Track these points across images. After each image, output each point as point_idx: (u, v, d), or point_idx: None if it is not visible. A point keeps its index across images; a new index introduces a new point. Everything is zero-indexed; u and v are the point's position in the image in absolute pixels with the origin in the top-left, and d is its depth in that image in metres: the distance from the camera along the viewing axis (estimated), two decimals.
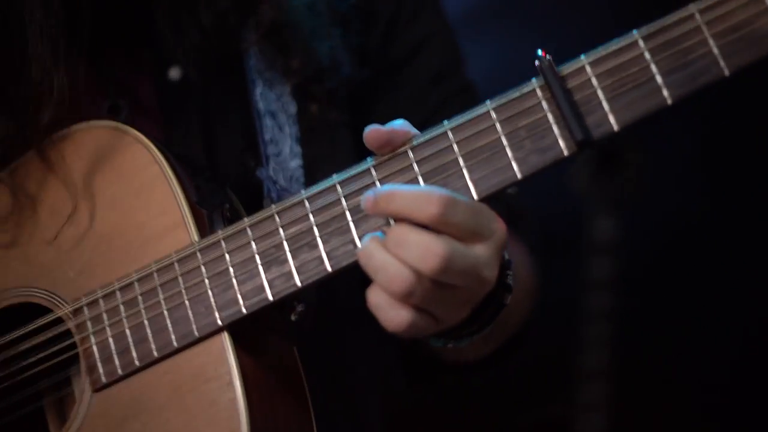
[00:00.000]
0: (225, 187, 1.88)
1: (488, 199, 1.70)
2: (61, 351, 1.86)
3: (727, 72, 1.61)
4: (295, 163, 2.06)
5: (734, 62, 1.61)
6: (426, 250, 1.62)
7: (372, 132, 1.71)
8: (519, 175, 1.67)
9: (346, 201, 1.72)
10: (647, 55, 1.63)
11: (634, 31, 1.65)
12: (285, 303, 1.79)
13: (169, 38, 2.04)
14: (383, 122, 1.75)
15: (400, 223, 1.66)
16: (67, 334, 1.85)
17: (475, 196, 1.68)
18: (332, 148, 2.10)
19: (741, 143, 3.82)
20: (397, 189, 1.66)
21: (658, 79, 1.63)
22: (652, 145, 3.84)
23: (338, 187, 1.73)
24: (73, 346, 1.85)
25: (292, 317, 1.81)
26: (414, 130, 1.73)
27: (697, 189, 3.88)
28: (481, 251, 1.66)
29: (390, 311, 1.66)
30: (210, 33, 2.03)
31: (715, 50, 1.61)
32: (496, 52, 3.55)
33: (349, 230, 1.72)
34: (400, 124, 1.73)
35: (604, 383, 3.59)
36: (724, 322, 3.76)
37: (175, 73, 2.06)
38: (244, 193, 1.91)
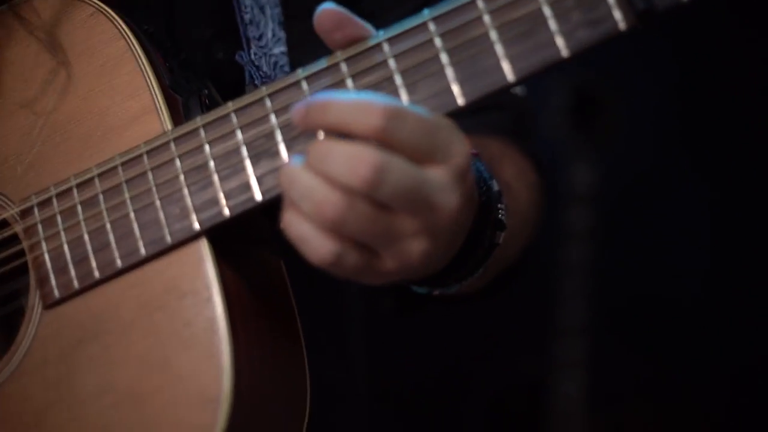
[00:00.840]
0: (201, 72, 1.59)
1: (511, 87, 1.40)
2: (6, 259, 1.55)
3: None
4: (279, 49, 1.76)
5: None
6: (355, 160, 1.34)
7: (325, 11, 1.43)
8: (564, 53, 1.38)
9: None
10: None
11: None
12: (275, 207, 1.50)
13: None
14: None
15: (325, 136, 1.39)
16: (14, 239, 1.54)
17: (511, 78, 1.39)
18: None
19: (719, 88, 3.61)
20: (332, 98, 1.38)
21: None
22: (628, 90, 3.64)
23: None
24: (22, 253, 1.54)
25: (277, 225, 1.52)
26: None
27: (673, 136, 3.67)
28: (432, 173, 1.37)
29: (314, 242, 1.37)
30: None
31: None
32: None
33: None
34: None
35: (583, 339, 3.38)
36: (702, 270, 3.56)
37: None
38: (230, 85, 1.63)
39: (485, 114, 1.82)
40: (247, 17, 1.73)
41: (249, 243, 1.52)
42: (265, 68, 1.73)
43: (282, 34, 1.77)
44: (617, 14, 1.36)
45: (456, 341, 3.45)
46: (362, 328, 1.96)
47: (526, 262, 1.89)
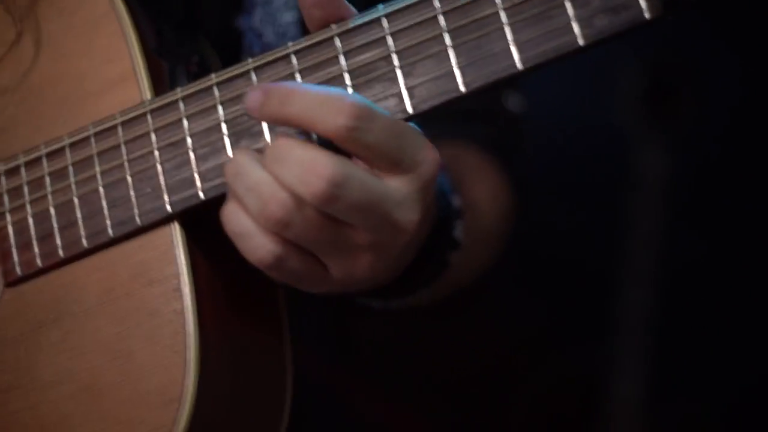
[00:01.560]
0: (197, 36, 1.46)
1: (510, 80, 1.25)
2: None
3: None
4: (290, 17, 1.62)
5: None
6: (309, 171, 1.20)
7: None
8: (581, 41, 1.22)
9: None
10: None
11: None
12: None
13: None
14: None
15: (285, 135, 1.24)
16: None
17: (519, 66, 1.24)
18: None
19: None
20: (296, 87, 1.23)
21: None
22: (705, 74, 3.44)
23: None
24: None
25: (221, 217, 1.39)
26: None
27: (750, 124, 3.48)
28: (394, 185, 1.24)
29: (254, 240, 1.24)
30: None
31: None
32: None
33: None
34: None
35: (644, 333, 3.21)
36: None
37: None
38: (225, 53, 1.49)
39: (472, 124, 1.67)
40: None
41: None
42: (269, 37, 1.59)
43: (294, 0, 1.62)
44: (643, 1, 1.20)
45: (507, 334, 3.33)
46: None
47: (485, 285, 1.75)
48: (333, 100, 1.21)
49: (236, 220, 1.24)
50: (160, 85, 1.37)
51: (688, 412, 3.44)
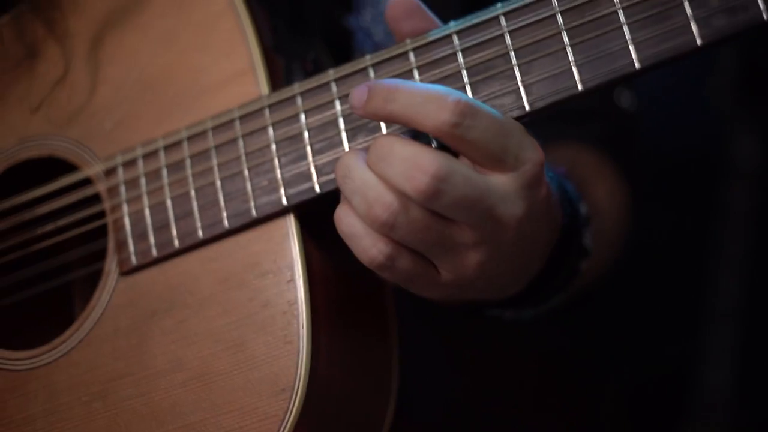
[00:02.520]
0: (312, 34, 1.46)
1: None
2: (86, 220, 1.44)
3: None
4: None
5: None
6: (413, 166, 1.19)
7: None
8: (699, 41, 1.20)
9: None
10: None
11: None
12: None
13: None
14: None
15: (389, 133, 1.24)
16: (96, 198, 1.43)
17: (637, 65, 1.22)
18: None
19: None
20: (400, 84, 1.22)
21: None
22: None
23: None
24: (102, 214, 1.44)
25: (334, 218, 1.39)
26: None
27: None
28: (497, 181, 1.22)
29: (364, 241, 1.23)
30: None
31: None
32: None
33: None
34: None
35: (735, 325, 3.16)
36: None
37: None
38: (335, 52, 1.50)
39: (587, 123, 1.65)
40: None
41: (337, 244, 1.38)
42: (379, 36, 1.59)
43: None
44: (762, 2, 1.18)
45: (596, 325, 3.29)
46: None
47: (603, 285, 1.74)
48: (437, 97, 1.20)
49: (347, 220, 1.24)
50: (277, 81, 1.38)
51: None
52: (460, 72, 1.27)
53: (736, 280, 3.25)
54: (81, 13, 1.46)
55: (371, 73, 1.30)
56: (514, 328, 1.83)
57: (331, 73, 1.32)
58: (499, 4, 1.27)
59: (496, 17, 1.26)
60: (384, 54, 1.30)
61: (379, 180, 1.21)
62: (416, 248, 1.24)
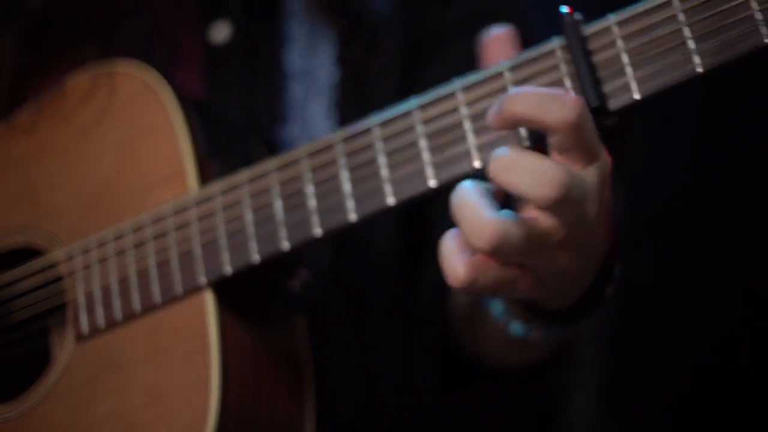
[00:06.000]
0: (248, 141, 1.67)
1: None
2: (52, 296, 1.67)
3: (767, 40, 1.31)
4: (328, 128, 1.81)
5: None
6: (543, 177, 1.27)
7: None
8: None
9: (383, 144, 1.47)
10: (681, 17, 1.35)
11: None
12: (284, 267, 1.58)
13: None
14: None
15: (503, 148, 1.31)
16: (60, 279, 1.66)
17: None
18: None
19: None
20: (524, 89, 1.32)
21: (691, 44, 1.34)
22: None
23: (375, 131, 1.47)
24: (62, 291, 1.66)
25: (293, 285, 1.59)
26: None
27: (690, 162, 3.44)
28: (590, 177, 1.32)
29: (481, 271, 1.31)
30: None
31: (758, 15, 1.31)
32: None
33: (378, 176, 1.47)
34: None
35: (598, 349, 3.23)
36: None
37: (221, 30, 1.85)
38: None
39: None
40: (294, 98, 1.80)
41: (258, 296, 1.59)
42: None
43: (333, 115, 1.82)
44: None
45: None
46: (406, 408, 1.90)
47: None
48: (559, 96, 1.29)
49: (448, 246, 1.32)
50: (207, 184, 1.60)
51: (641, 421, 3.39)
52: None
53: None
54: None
55: (304, 165, 1.51)
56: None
57: (244, 175, 1.55)
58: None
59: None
60: (286, 157, 1.52)
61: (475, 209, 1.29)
62: (525, 261, 1.32)
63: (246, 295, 1.57)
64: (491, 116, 1.32)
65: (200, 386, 1.50)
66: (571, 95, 1.30)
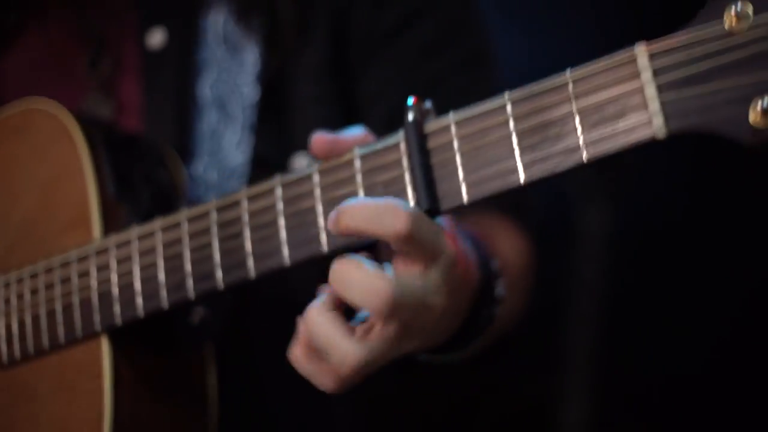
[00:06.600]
0: (163, 163, 1.77)
1: None
2: None
3: (585, 159, 1.33)
4: (240, 158, 1.90)
5: (596, 151, 1.33)
6: (372, 291, 1.37)
7: (316, 140, 1.52)
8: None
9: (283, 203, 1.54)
10: (511, 124, 1.39)
11: (505, 94, 1.40)
12: (177, 309, 1.67)
13: None
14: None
15: (342, 260, 1.41)
16: None
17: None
18: (303, 126, 1.90)
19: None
20: (357, 202, 1.41)
21: (516, 154, 1.38)
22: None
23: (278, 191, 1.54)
24: None
25: (192, 320, 1.70)
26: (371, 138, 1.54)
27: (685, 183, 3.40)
28: (432, 276, 1.40)
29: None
30: None
31: (579, 131, 1.34)
32: (537, 43, 3.14)
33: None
34: (354, 133, 1.54)
35: (589, 364, 3.28)
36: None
37: (156, 37, 1.94)
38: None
39: None
40: (206, 129, 1.89)
41: (157, 334, 1.71)
42: (214, 177, 1.87)
43: (250, 139, 1.89)
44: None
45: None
46: None
47: (522, 330, 1.93)
48: (392, 208, 1.37)
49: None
50: (115, 225, 1.70)
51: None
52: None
53: (589, 327, 3.32)
54: None
55: (186, 226, 1.60)
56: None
57: (135, 230, 1.65)
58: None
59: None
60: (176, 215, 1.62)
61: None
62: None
63: (144, 333, 1.69)
64: (330, 224, 1.40)
65: (98, 423, 1.65)
66: (401, 209, 1.36)
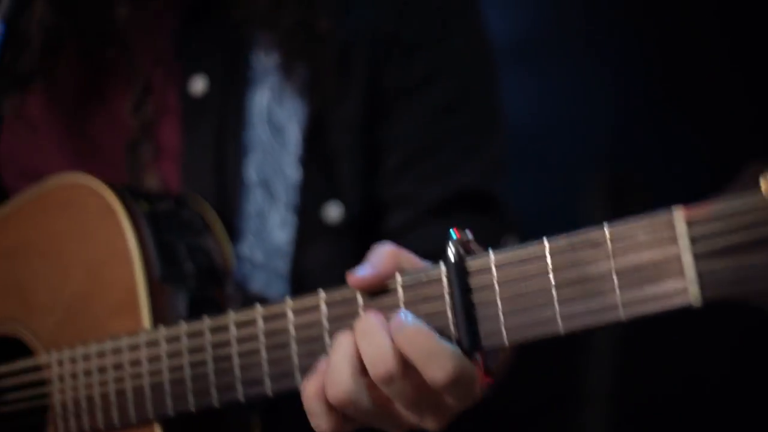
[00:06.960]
0: (204, 231, 1.83)
1: None
2: (32, 395, 1.87)
3: (623, 318, 1.39)
4: (284, 237, 1.95)
5: (633, 312, 1.39)
6: (379, 356, 1.47)
7: (353, 280, 1.55)
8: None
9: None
10: (551, 276, 1.43)
11: (544, 242, 1.44)
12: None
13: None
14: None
15: (376, 313, 1.51)
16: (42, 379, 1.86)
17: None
18: (338, 175, 1.95)
19: None
20: (423, 331, 1.48)
21: (555, 305, 1.43)
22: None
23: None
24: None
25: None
26: (405, 254, 1.56)
27: None
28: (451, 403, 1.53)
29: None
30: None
31: (618, 292, 1.39)
32: (550, 85, 3.10)
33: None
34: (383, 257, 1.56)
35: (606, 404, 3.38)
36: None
37: (199, 84, 1.98)
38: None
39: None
40: (252, 209, 1.93)
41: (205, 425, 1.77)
42: (259, 257, 1.91)
43: (291, 220, 1.93)
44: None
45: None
46: None
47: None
48: (441, 357, 1.46)
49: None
50: (161, 309, 1.76)
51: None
52: None
53: (605, 370, 3.36)
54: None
55: (234, 330, 1.65)
56: None
57: (183, 326, 1.71)
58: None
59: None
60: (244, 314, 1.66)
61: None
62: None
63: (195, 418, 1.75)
64: (393, 327, 1.48)
65: None
66: (449, 361, 1.45)
